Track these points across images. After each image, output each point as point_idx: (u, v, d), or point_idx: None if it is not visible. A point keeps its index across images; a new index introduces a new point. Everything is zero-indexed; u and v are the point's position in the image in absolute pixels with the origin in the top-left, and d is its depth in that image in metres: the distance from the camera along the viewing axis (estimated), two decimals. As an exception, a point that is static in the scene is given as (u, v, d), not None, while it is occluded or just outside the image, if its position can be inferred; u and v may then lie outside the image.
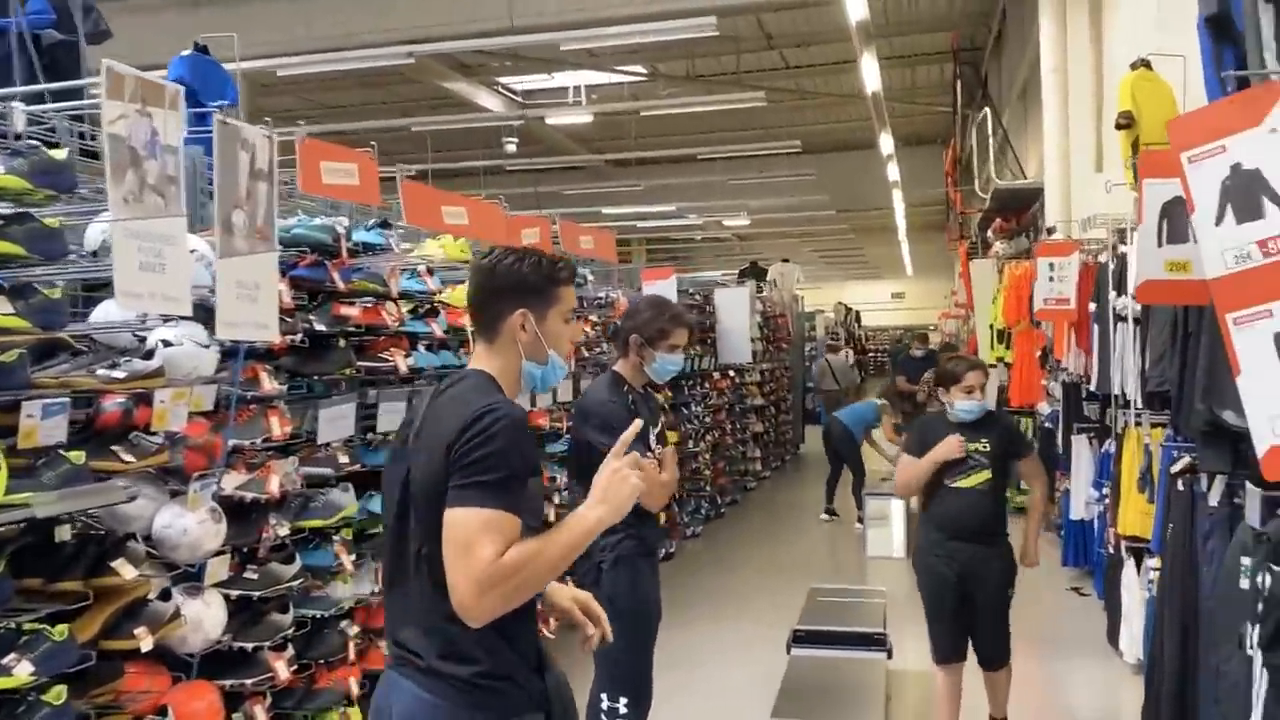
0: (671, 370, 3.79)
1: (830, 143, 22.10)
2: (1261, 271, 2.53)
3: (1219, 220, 2.60)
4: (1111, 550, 6.09)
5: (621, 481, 2.05)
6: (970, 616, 4.32)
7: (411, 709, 2.04)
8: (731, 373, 12.00)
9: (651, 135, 20.18)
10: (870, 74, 12.03)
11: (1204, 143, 2.62)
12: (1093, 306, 6.06)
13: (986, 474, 4.29)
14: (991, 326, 11.21)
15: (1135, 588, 5.57)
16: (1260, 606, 3.00)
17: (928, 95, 18.72)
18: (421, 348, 4.59)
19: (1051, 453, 8.35)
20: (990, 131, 12.50)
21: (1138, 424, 5.54)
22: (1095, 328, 6.00)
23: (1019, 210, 12.00)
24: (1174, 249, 3.48)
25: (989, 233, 12.82)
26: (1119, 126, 5.33)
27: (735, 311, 11.43)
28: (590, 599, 2.39)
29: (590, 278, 6.43)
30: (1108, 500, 6.35)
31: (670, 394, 9.47)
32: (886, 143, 16.41)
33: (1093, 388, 6.27)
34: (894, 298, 36.58)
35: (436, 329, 4.63)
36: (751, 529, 10.68)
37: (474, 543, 1.91)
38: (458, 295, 4.93)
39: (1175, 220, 3.50)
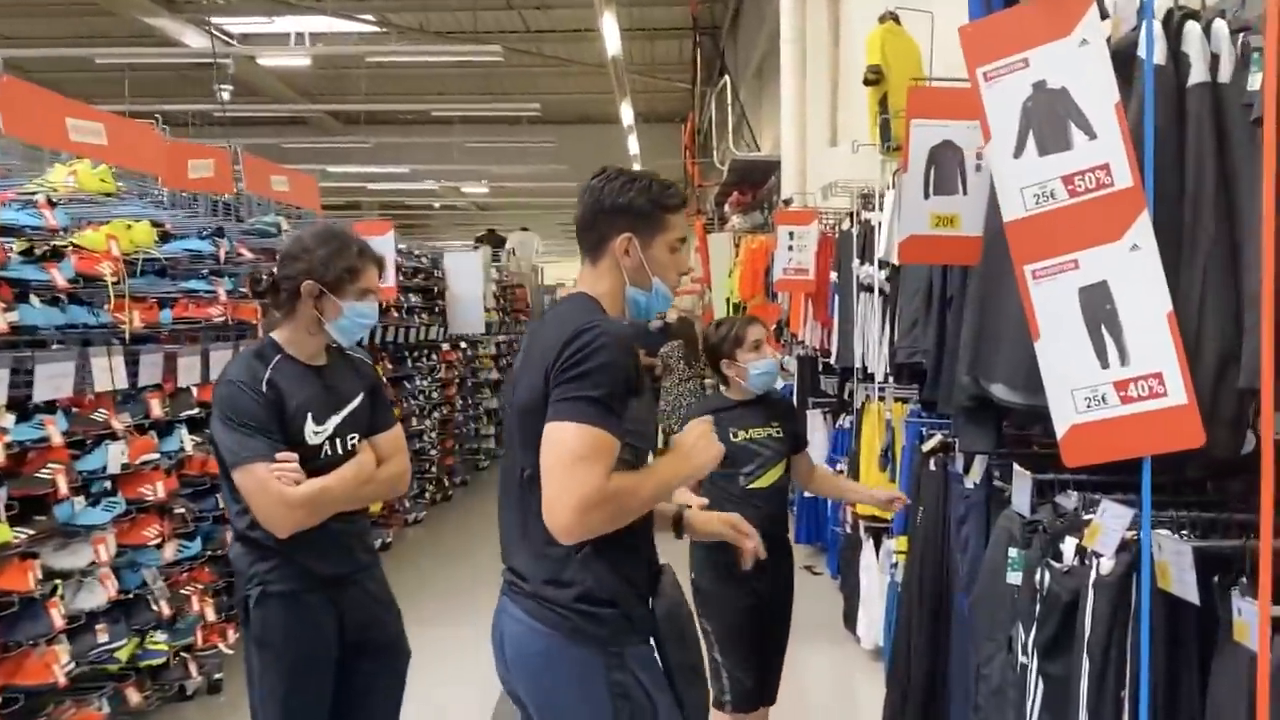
0: (365, 325, 2.80)
1: (571, 114, 21.62)
2: (1067, 213, 2.09)
3: (1018, 151, 2.15)
4: (848, 529, 5.85)
5: (710, 444, 2.12)
6: (771, 645, 3.58)
7: (518, 634, 2.07)
8: (463, 344, 11.22)
9: (383, 92, 18.89)
10: (611, 35, 11.55)
11: (1003, 56, 2.15)
12: (834, 276, 5.79)
13: (781, 468, 3.57)
14: (728, 300, 11.03)
15: (875, 570, 5.33)
16: (1037, 607, 2.63)
17: (667, 71, 18.57)
18: (35, 300, 3.55)
19: (787, 429, 8.17)
20: (729, 105, 12.34)
21: (880, 399, 5.28)
22: (836, 299, 5.72)
23: (755, 184, 11.92)
24: (942, 201, 3.07)
25: (725, 207, 12.70)
26: (867, 82, 5.01)
27: (467, 278, 10.66)
28: (739, 519, 2.56)
29: (286, 228, 5.47)
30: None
31: (392, 366, 8.58)
32: (627, 113, 16.08)
33: (832, 361, 6.01)
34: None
35: (59, 277, 3.60)
36: (482, 512, 9.94)
37: (580, 460, 1.89)
38: (95, 238, 3.90)
39: (944, 168, 3.10)
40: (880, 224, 4.38)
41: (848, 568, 5.86)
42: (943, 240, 3.09)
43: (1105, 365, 2.06)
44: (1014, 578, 3.00)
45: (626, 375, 1.97)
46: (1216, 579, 2.04)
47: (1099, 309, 2.06)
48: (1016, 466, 3.01)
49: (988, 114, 2.17)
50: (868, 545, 5.41)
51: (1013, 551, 3.00)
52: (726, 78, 12.44)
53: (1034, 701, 2.61)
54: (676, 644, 2.13)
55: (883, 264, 4.85)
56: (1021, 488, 2.95)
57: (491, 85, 18.98)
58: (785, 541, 3.63)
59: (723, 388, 3.69)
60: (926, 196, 3.10)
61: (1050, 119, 2.09)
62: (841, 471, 6.32)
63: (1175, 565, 2.06)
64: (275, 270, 2.72)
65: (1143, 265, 2.00)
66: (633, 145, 18.56)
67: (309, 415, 2.67)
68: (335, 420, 2.73)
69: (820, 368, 6.79)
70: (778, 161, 10.22)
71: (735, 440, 3.48)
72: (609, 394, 1.93)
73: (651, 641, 2.09)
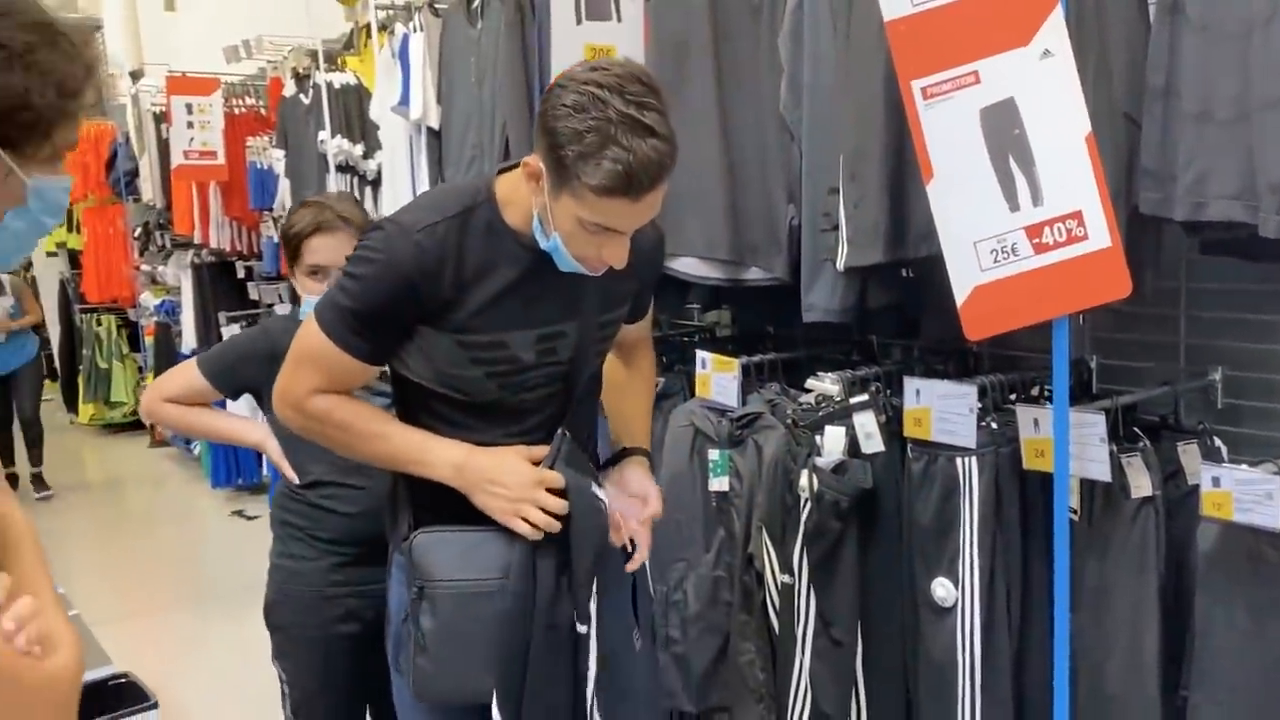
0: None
1: None
2: (962, 9, 1.60)
3: (901, -79, 1.59)
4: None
5: (511, 495, 1.52)
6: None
7: None
8: None
9: None
10: None
11: None
12: (280, 155, 4.67)
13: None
14: (45, 204, 8.82)
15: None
16: (804, 514, 2.20)
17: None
18: None
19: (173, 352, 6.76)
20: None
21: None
22: (284, 184, 4.62)
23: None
24: (596, 28, 2.39)
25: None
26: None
27: None
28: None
29: None
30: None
31: None
32: None
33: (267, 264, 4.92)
34: None
35: None
36: None
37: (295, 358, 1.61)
38: None
39: (597, -18, 2.41)
40: (399, 77, 3.48)
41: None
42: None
43: (1015, 208, 1.64)
44: (717, 484, 2.56)
45: (392, 299, 1.50)
46: (1114, 448, 1.78)
47: (1006, 135, 1.62)
48: (707, 355, 2.53)
49: None
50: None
51: (713, 454, 2.55)
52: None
53: (806, 623, 2.20)
54: None
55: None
56: (724, 379, 2.48)
57: None
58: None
59: None
60: (579, 22, 2.39)
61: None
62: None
63: (1073, 438, 1.76)
64: None
65: (1056, 76, 1.60)
66: None
67: None
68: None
69: (246, 274, 5.59)
70: (98, 26, 8.26)
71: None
72: (357, 308, 1.51)
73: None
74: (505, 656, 1.54)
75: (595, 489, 1.58)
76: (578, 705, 1.61)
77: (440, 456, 1.55)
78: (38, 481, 6.44)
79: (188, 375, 2.14)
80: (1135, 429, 1.94)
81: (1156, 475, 1.77)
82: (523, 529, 1.51)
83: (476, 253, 1.51)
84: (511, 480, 1.51)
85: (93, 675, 2.80)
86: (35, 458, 6.46)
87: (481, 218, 1.52)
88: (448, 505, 1.56)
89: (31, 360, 6.18)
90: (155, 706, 2.61)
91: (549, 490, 1.52)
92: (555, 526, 1.52)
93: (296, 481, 2.04)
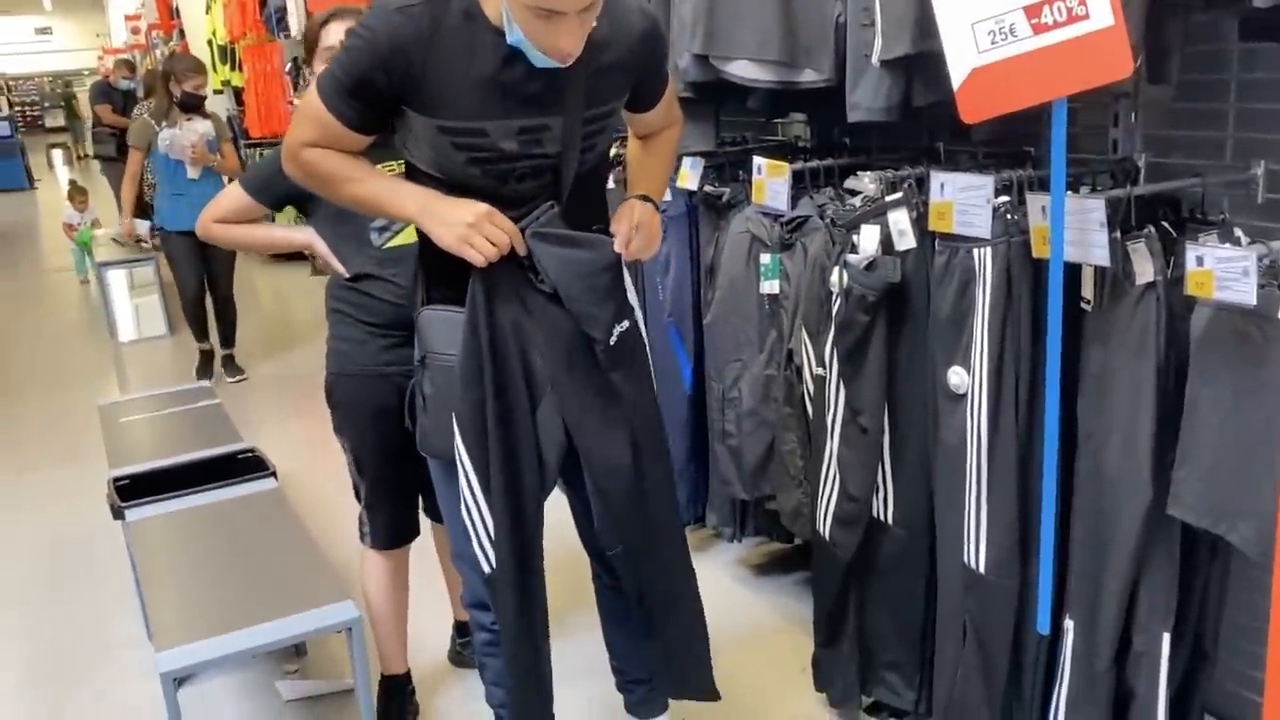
0: None
1: None
2: None
3: None
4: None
5: (462, 226, 1.64)
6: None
7: None
8: None
9: None
10: None
11: None
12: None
13: None
14: (210, 43, 9.33)
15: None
16: (836, 308, 2.28)
17: None
18: None
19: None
20: None
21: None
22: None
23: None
24: None
25: (180, -69, 10.55)
26: None
27: None
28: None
29: None
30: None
31: None
32: None
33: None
34: (40, 34, 30.61)
35: None
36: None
37: (298, 116, 1.75)
38: None
39: None
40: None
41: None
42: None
43: (1014, -14, 1.64)
44: (768, 286, 2.67)
45: (369, 70, 1.61)
46: (1118, 234, 1.80)
47: (1006, -91, 1.61)
48: (762, 161, 2.59)
49: None
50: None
51: (765, 258, 2.65)
52: None
53: (836, 411, 2.32)
54: None
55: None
56: (776, 184, 2.55)
57: None
58: None
59: None
60: None
61: None
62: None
63: (1077, 225, 1.78)
64: None
65: None
66: None
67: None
68: None
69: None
70: None
71: None
72: (342, 76, 1.64)
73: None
74: (460, 413, 1.74)
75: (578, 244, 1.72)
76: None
77: (407, 195, 1.69)
78: (229, 364, 5.96)
79: (233, 195, 2.33)
80: (1164, 221, 1.93)
81: (1159, 261, 1.78)
82: (471, 256, 1.63)
83: (452, 37, 1.59)
84: (463, 212, 1.63)
85: (227, 449, 3.20)
86: (227, 338, 6.00)
87: (459, 4, 1.59)
88: (453, 284, 1.72)
89: None
90: (273, 475, 2.96)
91: (499, 229, 1.63)
92: (494, 254, 1.63)
93: (346, 275, 2.25)
